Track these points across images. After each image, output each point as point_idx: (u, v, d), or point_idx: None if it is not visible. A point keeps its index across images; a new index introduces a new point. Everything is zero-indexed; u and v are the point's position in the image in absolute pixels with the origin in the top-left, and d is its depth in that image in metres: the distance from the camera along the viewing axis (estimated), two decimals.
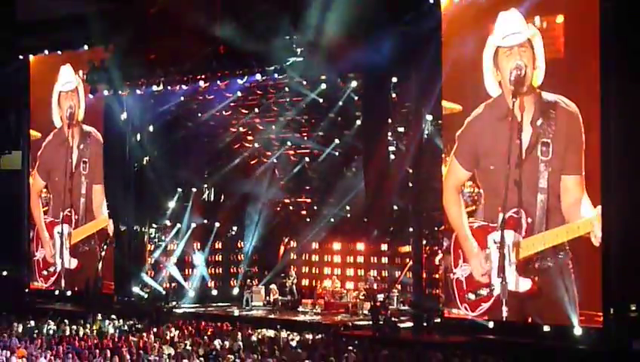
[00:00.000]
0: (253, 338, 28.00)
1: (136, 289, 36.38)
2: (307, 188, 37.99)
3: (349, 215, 36.54)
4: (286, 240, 39.39)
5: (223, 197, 39.39)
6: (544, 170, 24.92)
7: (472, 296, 27.45)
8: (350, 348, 25.20)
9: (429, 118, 29.77)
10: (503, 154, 25.78)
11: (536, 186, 25.10)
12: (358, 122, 33.37)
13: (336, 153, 35.81)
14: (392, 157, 31.67)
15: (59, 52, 38.50)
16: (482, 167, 26.87)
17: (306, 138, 36.59)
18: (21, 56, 39.20)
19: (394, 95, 30.88)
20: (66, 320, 31.01)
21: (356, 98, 32.60)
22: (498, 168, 25.88)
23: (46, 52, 38.80)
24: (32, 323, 30.79)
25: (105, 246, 36.73)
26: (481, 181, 27.14)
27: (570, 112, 24.73)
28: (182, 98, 35.75)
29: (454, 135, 28.26)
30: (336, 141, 35.44)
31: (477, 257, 27.25)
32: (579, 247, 25.13)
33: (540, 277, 25.48)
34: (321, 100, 33.69)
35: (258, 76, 32.68)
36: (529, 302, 25.99)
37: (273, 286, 36.11)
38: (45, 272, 39.08)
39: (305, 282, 38.21)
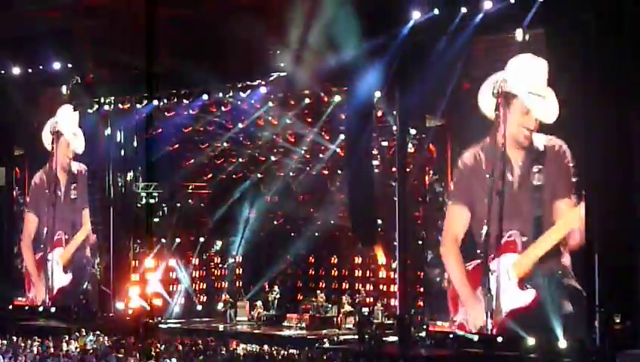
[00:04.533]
0: (236, 353, 27.97)
1: (120, 305, 36.28)
2: (292, 202, 37.92)
3: (333, 229, 36.59)
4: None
5: (207, 212, 39.34)
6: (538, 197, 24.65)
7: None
8: None
9: (413, 132, 29.91)
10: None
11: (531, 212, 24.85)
12: (342, 136, 33.42)
13: (321, 167, 35.83)
14: (376, 171, 31.75)
15: (41, 67, 38.38)
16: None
17: (290, 152, 36.59)
18: (2, 71, 39.04)
19: (377, 109, 30.96)
20: (50, 336, 30.89)
21: (340, 112, 32.68)
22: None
23: (29, 70, 38.72)
24: (16, 338, 30.67)
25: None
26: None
27: (558, 153, 24.53)
28: (166, 113, 35.84)
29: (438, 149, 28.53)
30: (321, 155, 35.47)
31: (472, 300, 27.11)
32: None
33: (537, 290, 25.40)
34: (305, 115, 33.78)
35: (242, 93, 32.89)
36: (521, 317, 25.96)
37: (258, 303, 36.03)
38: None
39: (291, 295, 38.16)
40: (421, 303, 29.99)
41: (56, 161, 38.40)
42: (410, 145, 29.98)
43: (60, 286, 38.27)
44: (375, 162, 31.84)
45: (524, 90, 25.16)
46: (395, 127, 30.72)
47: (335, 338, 31.24)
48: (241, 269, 39.61)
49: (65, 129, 38.13)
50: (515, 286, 25.00)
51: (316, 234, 37.33)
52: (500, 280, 25.49)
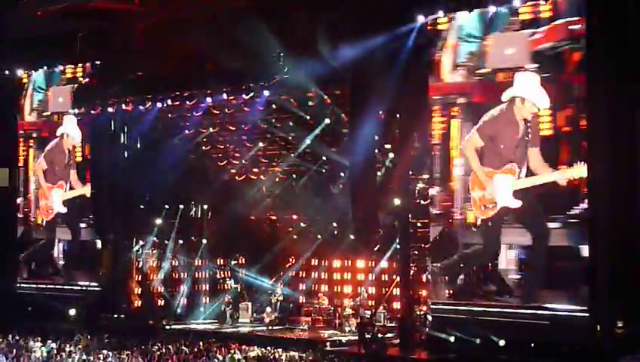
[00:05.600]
0: (238, 356, 27.98)
1: (123, 306, 36.35)
2: (294, 205, 37.95)
3: (336, 232, 36.62)
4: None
5: (210, 214, 39.41)
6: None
7: None
8: None
9: (416, 134, 29.95)
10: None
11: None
12: (345, 139, 33.46)
13: (323, 170, 35.84)
14: (379, 174, 31.79)
15: (46, 68, 38.53)
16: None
17: (292, 155, 36.60)
18: (7, 72, 39.14)
19: (380, 112, 30.99)
20: (52, 337, 30.93)
21: (343, 115, 32.71)
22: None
23: (33, 71, 38.90)
24: (19, 339, 30.72)
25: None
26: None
27: (535, 120, 27.06)
28: (169, 115, 35.91)
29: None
30: (324, 158, 35.50)
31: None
32: None
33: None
34: (308, 117, 33.81)
35: (245, 94, 32.91)
36: None
37: (268, 309, 36.00)
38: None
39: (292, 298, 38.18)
40: (423, 307, 30.01)
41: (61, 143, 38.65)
42: (412, 148, 30.07)
43: (57, 212, 38.60)
44: (378, 165, 31.84)
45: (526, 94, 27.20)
46: (397, 130, 30.80)
47: (337, 341, 31.31)
48: (243, 271, 39.63)
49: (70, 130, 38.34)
50: (510, 194, 27.28)
51: (318, 236, 37.40)
52: (501, 187, 27.58)
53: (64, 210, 38.31)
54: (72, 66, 38.03)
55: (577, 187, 25.84)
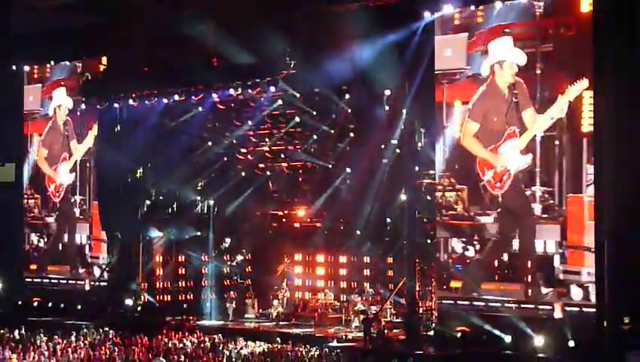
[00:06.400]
0: (244, 351, 27.98)
1: (129, 301, 36.38)
2: (300, 200, 37.92)
3: (342, 227, 36.57)
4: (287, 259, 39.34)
5: (216, 209, 39.36)
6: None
7: None
8: None
9: (422, 130, 29.93)
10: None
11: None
12: (352, 134, 33.43)
13: (330, 165, 35.78)
14: (386, 169, 31.76)
15: (52, 62, 38.60)
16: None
17: (299, 150, 36.54)
18: (14, 67, 39.18)
19: (387, 107, 30.99)
20: (59, 332, 30.98)
21: (349, 110, 32.68)
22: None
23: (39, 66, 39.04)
24: (25, 334, 30.75)
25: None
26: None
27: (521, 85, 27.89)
28: (175, 110, 35.87)
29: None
30: (330, 153, 35.45)
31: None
32: None
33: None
34: (314, 113, 33.76)
35: (251, 89, 32.87)
36: None
37: (275, 302, 36.01)
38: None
39: (298, 294, 38.13)
40: (430, 302, 30.02)
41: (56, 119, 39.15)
42: (419, 143, 30.05)
43: (67, 184, 38.80)
44: (384, 160, 31.81)
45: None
46: (403, 126, 30.76)
47: (343, 337, 31.30)
48: (249, 267, 39.65)
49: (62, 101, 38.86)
50: (518, 153, 27.57)
51: (325, 232, 37.34)
52: (508, 154, 27.92)
53: (72, 178, 38.53)
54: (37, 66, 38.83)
55: None
